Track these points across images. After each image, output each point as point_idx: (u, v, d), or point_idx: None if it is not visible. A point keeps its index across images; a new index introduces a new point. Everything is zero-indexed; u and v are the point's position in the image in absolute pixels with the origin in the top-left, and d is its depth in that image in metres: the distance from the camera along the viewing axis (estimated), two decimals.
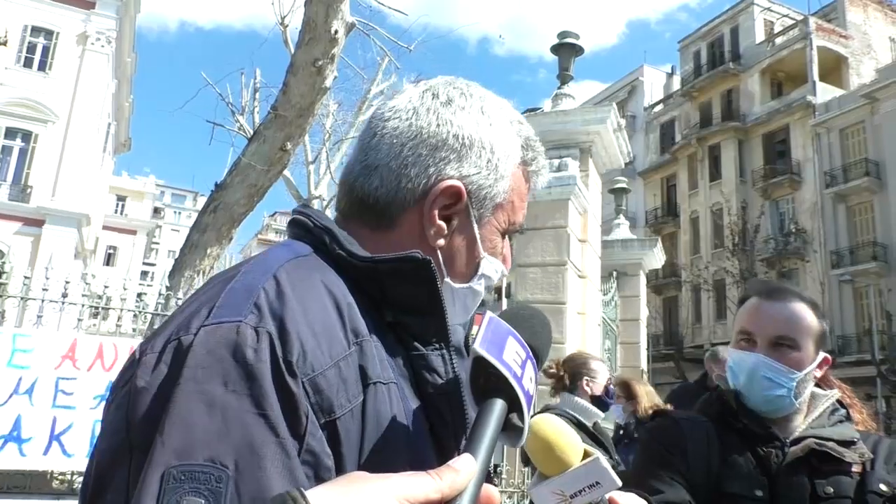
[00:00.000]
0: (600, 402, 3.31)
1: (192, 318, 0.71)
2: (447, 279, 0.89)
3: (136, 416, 0.66)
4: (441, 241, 0.88)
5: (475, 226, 0.90)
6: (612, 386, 3.38)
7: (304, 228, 0.87)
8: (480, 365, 0.70)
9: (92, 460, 0.70)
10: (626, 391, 4.74)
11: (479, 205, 0.89)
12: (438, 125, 0.88)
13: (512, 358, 0.71)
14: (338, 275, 0.80)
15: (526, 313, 0.83)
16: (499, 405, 0.69)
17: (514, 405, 0.71)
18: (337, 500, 0.55)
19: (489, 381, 0.70)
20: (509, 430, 0.72)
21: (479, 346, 0.70)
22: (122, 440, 0.66)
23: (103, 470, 0.66)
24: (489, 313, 0.75)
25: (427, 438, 0.81)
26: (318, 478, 0.67)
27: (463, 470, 0.61)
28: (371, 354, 0.77)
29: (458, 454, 0.75)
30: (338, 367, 0.72)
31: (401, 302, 0.83)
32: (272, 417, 0.65)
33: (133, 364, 0.71)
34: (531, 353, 0.76)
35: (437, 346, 0.84)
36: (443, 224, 0.88)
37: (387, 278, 0.82)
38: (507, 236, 0.95)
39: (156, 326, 4.12)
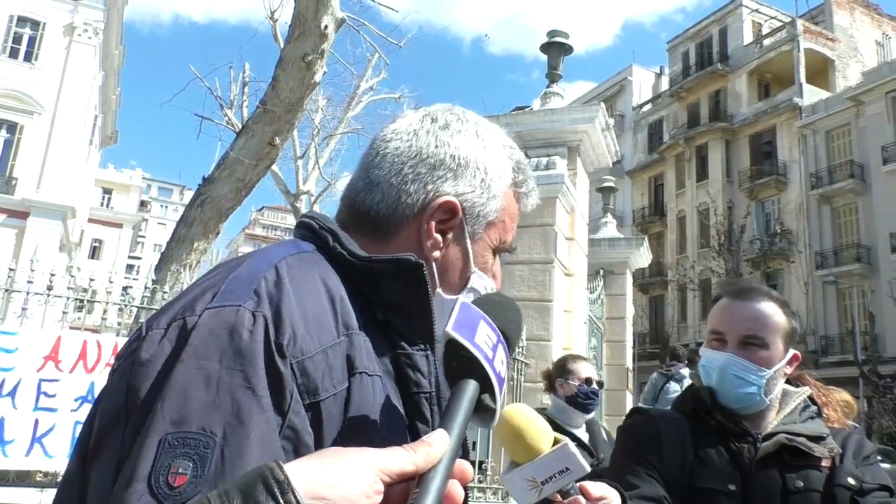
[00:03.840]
0: (575, 402, 3.30)
1: (196, 301, 0.77)
2: (438, 289, 0.94)
3: (135, 385, 0.72)
4: (437, 254, 0.94)
5: (468, 241, 0.96)
6: (584, 386, 3.30)
7: (310, 229, 0.94)
8: (453, 348, 0.72)
9: (93, 418, 0.76)
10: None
11: (472, 221, 0.96)
12: (437, 146, 0.95)
13: (483, 341, 0.73)
14: (336, 272, 0.86)
15: (497, 299, 0.86)
16: (471, 385, 0.71)
17: (486, 386, 0.73)
18: (314, 472, 0.58)
19: (462, 364, 0.72)
20: (482, 411, 0.74)
21: (450, 329, 0.72)
22: (121, 404, 0.72)
23: (104, 429, 0.73)
24: (461, 298, 0.78)
25: (406, 433, 0.84)
26: (298, 453, 0.72)
27: (437, 444, 0.64)
28: (359, 346, 0.81)
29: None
30: (325, 354, 0.77)
31: (392, 301, 0.87)
32: (259, 392, 0.71)
33: (139, 337, 0.77)
34: (502, 338, 0.78)
35: (423, 347, 0.88)
36: (439, 237, 0.94)
37: (381, 277, 0.87)
38: (497, 255, 1.00)
39: (141, 320, 4.11)
